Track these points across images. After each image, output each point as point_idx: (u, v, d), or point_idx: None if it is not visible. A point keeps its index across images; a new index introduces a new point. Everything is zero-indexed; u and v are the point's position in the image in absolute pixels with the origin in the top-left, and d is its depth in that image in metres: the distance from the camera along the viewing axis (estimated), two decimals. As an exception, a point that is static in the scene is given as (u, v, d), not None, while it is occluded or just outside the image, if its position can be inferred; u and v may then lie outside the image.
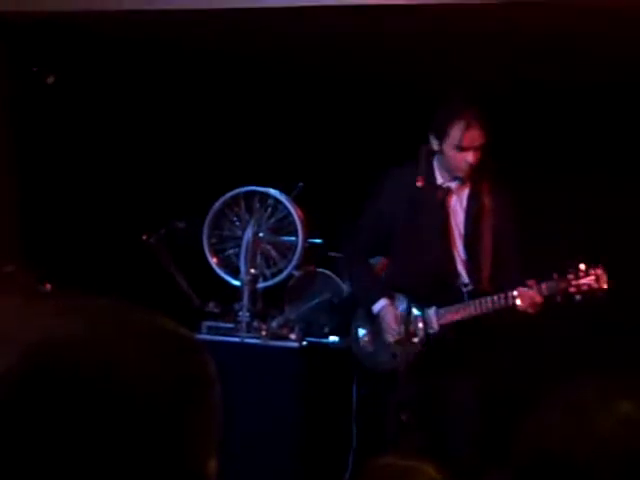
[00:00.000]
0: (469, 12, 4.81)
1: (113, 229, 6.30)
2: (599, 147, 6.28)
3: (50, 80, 5.82)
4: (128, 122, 6.58)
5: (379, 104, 6.14)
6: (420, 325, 4.48)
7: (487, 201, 4.51)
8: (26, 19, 5.42)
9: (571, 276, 4.28)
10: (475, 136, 4.36)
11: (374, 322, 4.61)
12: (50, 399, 1.12)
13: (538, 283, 4.29)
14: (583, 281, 4.28)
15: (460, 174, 4.44)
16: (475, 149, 4.37)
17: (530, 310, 4.29)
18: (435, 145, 4.44)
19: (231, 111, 6.70)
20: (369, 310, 4.60)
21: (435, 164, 4.49)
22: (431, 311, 4.44)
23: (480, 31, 5.16)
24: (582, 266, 4.28)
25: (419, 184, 4.31)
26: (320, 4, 4.94)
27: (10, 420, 1.15)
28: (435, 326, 4.42)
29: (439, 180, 4.49)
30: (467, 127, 4.35)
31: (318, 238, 5.49)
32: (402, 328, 4.46)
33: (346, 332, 4.81)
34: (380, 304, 4.56)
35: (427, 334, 4.44)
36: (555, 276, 4.30)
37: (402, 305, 4.53)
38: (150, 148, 6.65)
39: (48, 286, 4.75)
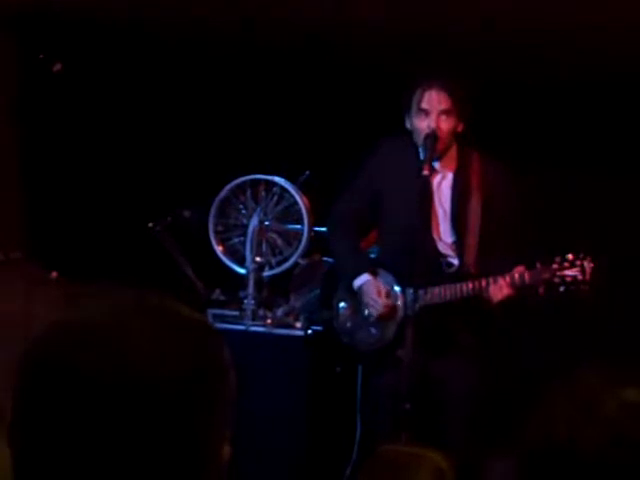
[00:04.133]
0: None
1: (119, 217, 6.31)
2: (598, 140, 6.27)
3: (57, 68, 5.82)
4: (135, 110, 6.58)
5: (386, 92, 6.12)
6: (400, 304, 4.38)
7: (475, 180, 4.37)
8: (33, 7, 5.42)
9: (555, 266, 4.12)
10: (435, 97, 4.21)
11: (355, 297, 4.48)
12: (65, 387, 1.13)
13: (522, 272, 4.14)
14: (567, 272, 4.10)
15: (422, 143, 4.23)
16: (439, 113, 4.22)
17: (504, 297, 4.14)
18: (407, 123, 4.32)
19: (238, 99, 6.70)
20: (350, 284, 4.47)
21: (419, 147, 4.33)
22: (411, 292, 4.27)
23: (496, 23, 5.15)
24: (570, 256, 4.12)
25: (426, 172, 4.16)
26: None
27: (27, 406, 1.15)
28: (415, 307, 4.24)
29: (421, 157, 4.31)
30: (426, 88, 4.22)
31: (324, 226, 5.49)
32: (386, 302, 4.36)
33: (328, 305, 4.65)
34: (362, 279, 4.42)
35: (406, 315, 4.30)
36: (538, 265, 4.15)
37: (385, 282, 4.43)
38: (156, 136, 6.65)
39: (54, 274, 4.76)
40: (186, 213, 5.53)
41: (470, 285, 4.23)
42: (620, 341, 5.62)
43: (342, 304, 4.58)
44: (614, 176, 6.25)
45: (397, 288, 4.42)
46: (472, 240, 4.36)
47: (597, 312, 5.69)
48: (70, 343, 1.16)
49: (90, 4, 5.36)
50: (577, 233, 5.83)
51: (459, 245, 4.38)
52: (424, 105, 4.24)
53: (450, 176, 4.42)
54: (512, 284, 4.14)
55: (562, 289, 4.14)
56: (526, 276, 4.16)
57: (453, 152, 4.42)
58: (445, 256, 4.38)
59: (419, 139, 4.29)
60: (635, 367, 1.28)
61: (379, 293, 4.39)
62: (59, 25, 5.76)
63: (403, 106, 4.33)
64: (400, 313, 4.38)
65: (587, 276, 4.12)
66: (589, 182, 6.31)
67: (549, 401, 1.28)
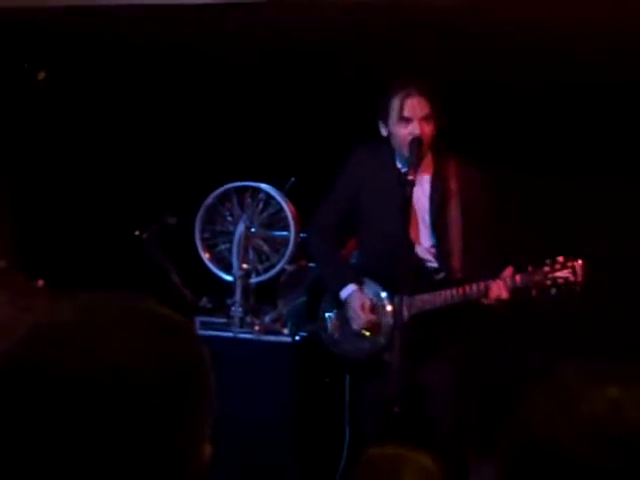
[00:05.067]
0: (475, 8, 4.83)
1: (105, 225, 6.30)
2: (578, 142, 6.31)
3: (41, 76, 5.82)
4: (119, 118, 6.58)
5: (371, 100, 6.14)
6: (389, 312, 4.37)
7: (453, 184, 4.37)
8: (17, 15, 5.41)
9: (547, 268, 4.14)
10: (416, 104, 4.22)
11: (341, 308, 4.49)
12: (44, 388, 1.13)
13: (512, 275, 4.16)
14: (559, 274, 4.13)
15: (407, 149, 4.23)
16: (420, 120, 4.23)
17: (496, 304, 4.16)
18: (384, 130, 4.33)
19: (222, 106, 6.70)
20: (337, 295, 4.47)
21: (395, 154, 4.36)
22: (400, 299, 4.22)
23: (476, 28, 5.17)
24: (560, 258, 4.14)
25: (411, 177, 4.14)
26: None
27: (5, 411, 1.15)
28: (405, 315, 4.19)
29: (398, 164, 4.34)
30: (406, 96, 4.23)
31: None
32: (369, 317, 4.36)
33: (313, 315, 4.65)
34: (348, 290, 4.42)
35: (395, 322, 4.27)
36: (530, 268, 4.16)
37: (371, 291, 4.43)
38: (141, 144, 6.65)
39: (40, 282, 4.74)
40: (172, 220, 5.53)
41: (461, 291, 4.24)
42: (610, 341, 5.65)
43: (329, 314, 4.57)
44: (595, 177, 6.29)
45: (384, 294, 4.43)
46: (455, 245, 4.36)
47: (587, 313, 5.72)
48: (47, 345, 1.16)
49: (74, 13, 5.35)
50: (560, 235, 5.86)
51: (439, 249, 4.38)
52: (406, 113, 4.25)
53: (427, 180, 4.42)
54: (505, 287, 4.16)
55: (554, 291, 4.16)
56: (517, 279, 4.17)
57: (429, 157, 4.44)
58: (424, 261, 4.38)
59: (399, 145, 4.30)
60: (616, 364, 1.28)
61: (362, 307, 4.40)
62: (43, 33, 5.75)
63: (379, 113, 4.34)
64: (389, 319, 4.38)
65: (579, 277, 4.15)
66: (567, 184, 6.35)
67: (529, 400, 1.27)
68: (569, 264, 4.16)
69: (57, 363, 1.14)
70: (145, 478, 1.14)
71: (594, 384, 1.25)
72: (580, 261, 4.17)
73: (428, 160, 4.42)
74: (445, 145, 4.43)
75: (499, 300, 4.17)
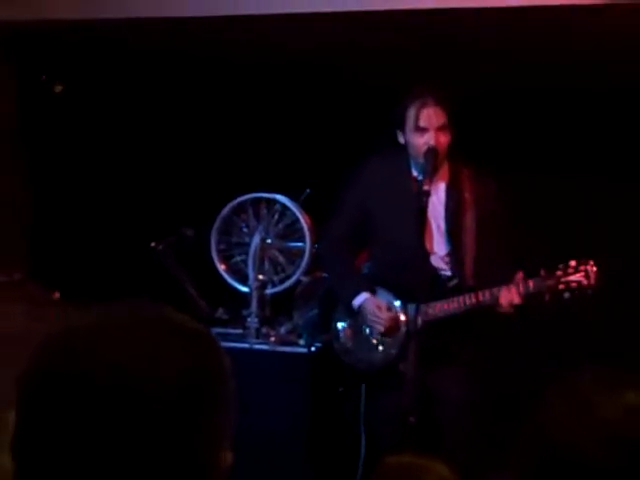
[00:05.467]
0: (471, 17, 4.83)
1: (121, 237, 6.32)
2: (595, 145, 6.30)
3: (58, 89, 5.85)
4: (136, 130, 6.60)
5: (386, 110, 6.16)
6: (403, 321, 4.38)
7: (468, 194, 4.39)
8: (35, 28, 5.45)
9: (559, 273, 4.13)
10: (432, 114, 4.23)
11: (354, 317, 4.49)
12: (63, 394, 1.14)
13: (525, 280, 4.16)
14: (572, 278, 4.12)
15: (423, 158, 4.24)
16: (436, 130, 4.24)
17: (509, 309, 4.16)
18: (401, 139, 4.34)
19: (238, 118, 6.72)
20: (349, 305, 4.47)
21: (411, 163, 4.37)
22: (413, 307, 4.26)
23: (486, 37, 5.18)
24: (572, 262, 4.14)
25: (426, 187, 4.16)
26: (331, 10, 4.95)
27: (30, 416, 1.16)
28: (418, 322, 4.20)
29: (414, 173, 4.35)
30: (422, 106, 4.23)
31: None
32: (388, 315, 4.36)
33: (326, 328, 4.66)
34: (360, 298, 4.43)
35: (408, 331, 4.29)
36: (543, 273, 4.16)
37: (384, 300, 4.43)
38: (158, 156, 6.67)
39: (57, 294, 4.77)
40: (188, 232, 5.54)
41: (474, 298, 4.24)
42: (622, 345, 5.63)
43: (341, 324, 4.58)
44: (603, 183, 6.28)
45: (397, 303, 4.43)
46: (468, 253, 4.37)
47: (601, 318, 5.70)
48: (69, 352, 1.17)
49: (92, 25, 5.39)
50: (569, 239, 5.84)
51: (453, 258, 4.39)
52: (422, 123, 4.26)
53: (442, 188, 4.44)
54: (516, 292, 4.16)
55: (567, 295, 4.16)
56: (530, 284, 4.17)
57: (445, 165, 4.45)
58: (438, 269, 4.39)
59: (415, 154, 4.32)
60: (633, 370, 1.28)
61: (379, 308, 4.40)
62: (61, 46, 5.78)
63: (396, 122, 4.35)
64: (403, 328, 4.39)
65: (592, 280, 4.15)
66: (577, 188, 6.34)
67: (546, 406, 1.28)
68: (582, 268, 4.15)
69: (76, 370, 1.15)
70: None
71: (611, 390, 1.25)
72: (593, 264, 4.16)
73: (444, 169, 4.44)
74: (459, 154, 4.45)
75: (512, 305, 4.16)
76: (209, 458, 1.20)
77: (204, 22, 5.21)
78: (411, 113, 4.27)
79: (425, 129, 4.26)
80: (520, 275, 4.18)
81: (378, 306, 4.40)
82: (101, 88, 6.36)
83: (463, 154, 4.45)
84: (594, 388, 1.26)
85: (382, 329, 4.41)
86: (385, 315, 4.39)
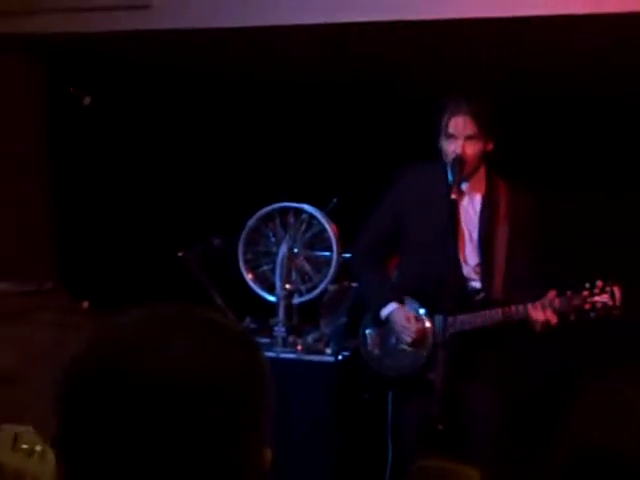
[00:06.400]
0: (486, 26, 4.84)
1: (149, 246, 6.35)
2: (624, 163, 6.26)
3: (86, 101, 5.90)
4: (164, 140, 6.64)
5: (415, 118, 6.17)
6: (429, 329, 4.39)
7: (503, 207, 4.40)
8: (64, 40, 5.50)
9: (586, 293, 4.14)
10: (460, 123, 4.27)
11: (382, 324, 4.51)
12: (112, 395, 1.16)
13: (554, 298, 4.16)
14: (598, 299, 4.13)
15: (449, 166, 4.28)
16: (465, 138, 4.27)
17: (539, 327, 4.16)
18: (439, 144, 4.37)
19: (267, 128, 6.75)
20: (377, 314, 4.49)
21: (447, 168, 4.36)
22: (441, 318, 4.29)
23: (501, 45, 5.18)
24: (599, 283, 4.14)
25: (453, 196, 4.21)
26: (338, 21, 4.98)
27: (75, 417, 1.19)
28: (445, 334, 4.24)
29: (450, 184, 4.34)
30: (452, 114, 4.28)
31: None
32: (417, 326, 4.37)
33: (354, 334, 4.67)
34: (389, 308, 4.45)
35: (435, 343, 4.32)
36: (569, 293, 4.17)
37: (411, 308, 4.44)
38: (186, 165, 6.71)
39: (86, 303, 4.81)
40: (216, 241, 5.56)
41: (501, 312, 4.25)
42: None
43: (369, 331, 4.59)
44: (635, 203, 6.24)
45: (422, 311, 4.44)
46: (499, 266, 4.38)
47: (626, 332, 5.66)
48: (116, 352, 1.19)
49: (118, 39, 5.43)
50: (601, 259, 5.81)
51: (484, 268, 4.40)
52: (451, 130, 4.31)
53: (478, 199, 4.45)
54: (542, 311, 4.16)
55: (593, 315, 4.16)
56: (556, 303, 4.18)
57: (482, 175, 4.46)
58: (469, 280, 4.40)
59: (448, 161, 4.34)
60: None
61: (408, 319, 4.41)
62: (89, 59, 5.84)
63: (436, 128, 4.38)
64: (430, 338, 4.40)
65: (617, 302, 4.15)
66: (612, 207, 6.30)
67: (582, 411, 1.28)
68: (607, 289, 4.16)
69: (124, 369, 1.17)
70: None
71: None
72: (618, 286, 4.16)
73: (481, 179, 4.45)
74: (497, 165, 4.46)
75: (546, 326, 4.17)
76: (252, 456, 1.22)
77: (232, 33, 5.24)
78: (444, 120, 4.32)
79: (453, 136, 4.30)
80: (552, 293, 4.18)
81: (407, 317, 4.42)
82: (129, 99, 6.41)
83: (502, 165, 4.46)
84: (628, 389, 1.27)
85: (410, 340, 4.42)
86: (414, 327, 4.40)
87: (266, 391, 1.26)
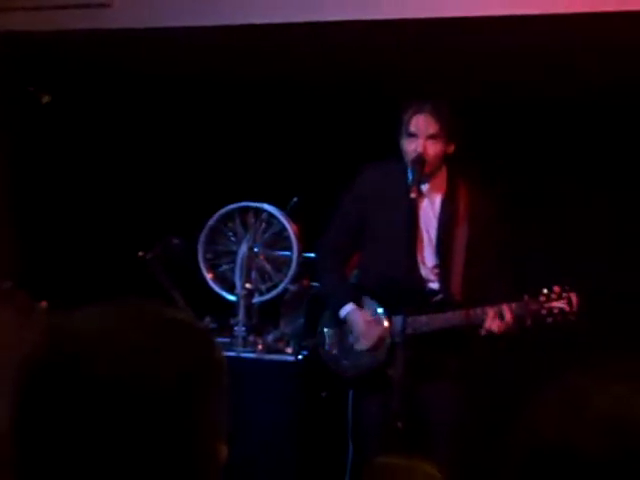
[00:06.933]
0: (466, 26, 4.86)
1: (108, 246, 6.33)
2: (591, 160, 6.31)
3: (45, 99, 5.86)
4: (122, 140, 6.61)
5: (374, 117, 6.18)
6: (386, 328, 4.39)
7: (462, 208, 4.41)
8: (22, 39, 5.46)
9: (542, 298, 4.19)
10: (422, 122, 4.27)
11: (340, 324, 4.52)
12: (64, 385, 1.16)
13: (508, 303, 4.18)
14: (555, 304, 4.17)
15: (410, 165, 4.28)
16: (426, 138, 4.27)
17: (495, 330, 4.18)
18: (400, 144, 4.37)
19: (224, 127, 6.73)
20: (336, 313, 4.50)
21: (408, 168, 4.37)
22: (398, 319, 4.29)
23: (478, 45, 5.21)
24: (556, 288, 4.19)
25: (413, 195, 4.20)
26: (316, 20, 4.98)
27: (27, 410, 1.18)
28: (403, 335, 4.24)
29: (410, 183, 4.34)
30: (415, 112, 4.28)
31: (313, 252, 5.50)
32: (376, 331, 4.37)
33: (313, 334, 4.69)
34: (347, 309, 4.45)
35: (393, 342, 4.33)
36: (526, 297, 4.20)
37: (370, 309, 4.46)
38: (144, 166, 6.68)
39: (44, 303, 4.78)
40: (175, 241, 5.55)
41: (459, 316, 4.26)
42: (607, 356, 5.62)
43: (327, 330, 4.60)
44: (599, 202, 6.30)
45: (380, 310, 4.45)
46: (457, 267, 4.39)
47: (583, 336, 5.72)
48: (69, 342, 1.20)
49: (79, 35, 5.40)
50: (559, 264, 5.86)
51: (442, 270, 4.40)
52: (412, 129, 4.30)
53: (438, 200, 4.46)
54: (499, 315, 4.18)
55: (549, 320, 4.20)
56: (513, 307, 4.20)
57: (443, 176, 4.46)
58: (427, 281, 4.41)
59: (408, 161, 4.34)
60: (624, 366, 1.30)
61: (367, 324, 4.41)
62: (49, 57, 5.80)
63: (397, 128, 4.38)
64: (388, 338, 4.40)
65: (574, 307, 4.20)
66: (573, 207, 6.35)
67: (536, 405, 1.29)
68: (565, 295, 4.20)
69: (75, 361, 1.17)
70: (162, 475, 1.17)
71: (600, 383, 1.26)
72: (574, 293, 4.20)
73: (441, 181, 4.45)
74: (458, 167, 4.47)
75: (490, 332, 4.20)
76: (205, 450, 1.23)
77: (193, 31, 5.23)
78: (405, 119, 4.32)
79: (414, 135, 4.30)
80: (505, 304, 4.19)
81: (366, 322, 4.42)
82: (89, 98, 6.37)
83: (463, 167, 4.47)
84: (583, 383, 1.28)
85: (367, 347, 4.42)
86: (373, 332, 4.40)
87: (220, 385, 1.26)
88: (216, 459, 1.25)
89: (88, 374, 1.16)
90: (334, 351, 4.57)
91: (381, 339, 4.40)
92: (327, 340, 4.59)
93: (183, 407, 1.19)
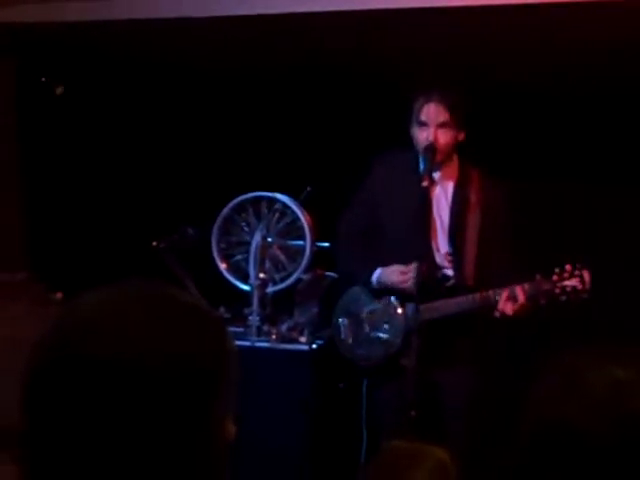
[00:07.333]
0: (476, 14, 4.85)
1: (123, 236, 6.35)
2: (591, 152, 6.31)
3: (59, 91, 5.88)
4: (137, 131, 6.63)
5: (385, 107, 6.18)
6: (400, 315, 4.41)
7: (474, 196, 4.44)
8: (36, 30, 5.48)
9: (555, 277, 4.21)
10: (433, 110, 4.31)
11: (355, 312, 4.55)
12: (74, 373, 1.18)
13: (521, 284, 4.21)
14: (567, 283, 4.20)
15: (421, 154, 4.32)
16: (437, 126, 4.30)
17: (509, 311, 4.21)
18: (411, 132, 4.40)
19: (239, 117, 6.74)
20: (368, 281, 4.49)
21: (419, 157, 4.41)
22: (412, 306, 4.31)
23: (496, 35, 5.20)
24: (568, 267, 4.20)
25: (425, 184, 4.22)
26: (331, 9, 4.98)
27: (40, 393, 1.20)
28: (417, 321, 4.26)
29: (422, 172, 4.36)
30: (425, 101, 4.32)
31: (326, 242, 5.52)
32: (411, 272, 4.32)
33: (328, 323, 4.72)
34: (376, 273, 4.47)
35: (407, 328, 4.35)
36: (538, 277, 4.23)
37: (384, 297, 4.48)
38: (159, 155, 6.70)
39: (59, 294, 4.80)
40: (190, 231, 5.56)
41: (472, 299, 4.28)
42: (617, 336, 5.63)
43: (342, 320, 4.62)
44: (606, 188, 6.30)
45: (393, 298, 4.46)
46: (470, 253, 4.41)
47: (594, 315, 5.73)
48: (74, 333, 1.21)
49: (92, 27, 5.42)
50: (570, 244, 5.87)
51: (455, 256, 4.42)
52: (423, 117, 4.33)
53: (450, 188, 4.48)
54: (512, 297, 4.20)
55: (563, 298, 4.21)
56: (526, 288, 4.22)
57: (454, 164, 4.49)
58: (441, 267, 4.43)
59: (420, 149, 4.37)
60: (623, 349, 1.32)
61: (399, 270, 4.38)
62: (61, 48, 5.81)
63: (408, 117, 4.40)
64: (401, 325, 4.42)
65: (587, 285, 4.21)
66: (581, 194, 6.36)
67: (541, 384, 1.31)
68: (577, 272, 4.22)
69: (84, 349, 1.19)
70: (170, 454, 1.19)
71: (599, 365, 1.29)
72: (587, 270, 4.23)
73: (453, 168, 4.49)
74: (469, 155, 4.48)
75: (504, 314, 4.22)
76: (213, 431, 1.24)
77: (202, 22, 5.24)
78: (415, 108, 4.35)
79: (425, 124, 4.33)
80: (517, 285, 4.21)
81: (397, 268, 4.39)
82: (102, 89, 6.39)
83: (474, 155, 4.49)
84: (584, 364, 1.30)
85: (412, 284, 4.31)
86: (409, 271, 4.34)
87: (227, 364, 1.27)
88: (223, 438, 1.26)
89: (95, 357, 1.18)
90: (350, 340, 4.59)
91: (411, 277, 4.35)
92: (342, 330, 4.61)
93: (188, 388, 1.21)
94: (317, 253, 5.42)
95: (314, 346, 5.08)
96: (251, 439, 4.64)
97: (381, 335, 4.49)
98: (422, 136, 4.34)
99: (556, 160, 6.36)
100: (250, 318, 5.26)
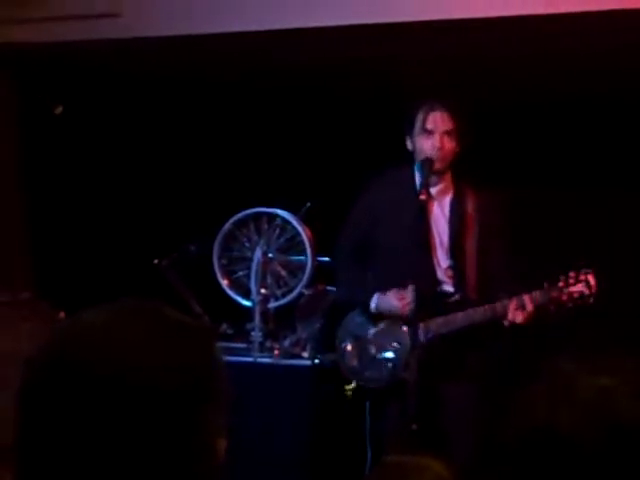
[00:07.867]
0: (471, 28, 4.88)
1: (125, 254, 6.36)
2: (593, 159, 6.33)
3: (58, 110, 5.90)
4: (137, 149, 6.65)
5: (385, 123, 6.20)
6: (405, 332, 4.37)
7: (470, 208, 4.44)
8: (35, 49, 5.50)
9: (562, 284, 4.23)
10: (439, 118, 4.31)
11: (359, 335, 4.52)
12: (66, 384, 1.20)
13: (529, 293, 4.22)
14: (574, 288, 4.23)
15: (419, 165, 4.32)
16: (442, 134, 4.30)
17: (519, 321, 4.21)
18: (409, 144, 4.39)
19: (239, 134, 6.77)
20: (366, 308, 4.46)
21: (415, 171, 4.41)
22: (419, 325, 4.29)
23: (483, 47, 5.22)
24: (571, 273, 4.23)
25: (422, 197, 4.23)
26: (332, 24, 5.00)
27: (32, 410, 1.22)
28: (422, 338, 4.26)
29: (419, 186, 4.35)
30: (430, 109, 4.31)
31: (327, 256, 5.53)
32: (408, 297, 4.30)
33: (331, 347, 4.68)
34: (374, 299, 4.43)
35: (413, 345, 4.31)
36: (546, 285, 4.25)
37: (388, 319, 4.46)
38: (159, 174, 6.72)
39: (62, 313, 4.81)
40: (191, 248, 5.58)
41: (477, 312, 4.29)
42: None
43: (344, 344, 4.58)
44: (604, 195, 6.32)
45: (403, 324, 4.44)
46: (471, 266, 4.41)
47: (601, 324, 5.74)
48: (72, 342, 1.23)
49: (88, 48, 5.44)
50: (570, 250, 5.88)
51: (456, 271, 4.42)
52: (429, 125, 4.32)
53: (447, 202, 4.48)
54: (521, 306, 4.22)
55: (570, 305, 4.25)
56: (535, 296, 4.24)
57: (449, 179, 4.49)
58: (442, 283, 4.43)
59: (418, 156, 4.37)
60: (613, 357, 1.34)
61: (397, 294, 4.36)
62: (59, 68, 5.84)
63: (405, 127, 4.40)
64: (406, 342, 4.39)
65: (593, 289, 4.25)
66: (580, 200, 6.38)
67: (530, 389, 1.33)
68: (582, 277, 4.25)
69: (76, 360, 1.21)
70: (161, 470, 1.20)
71: (588, 374, 1.31)
72: (591, 274, 4.26)
73: (448, 182, 4.49)
74: (462, 167, 4.49)
75: (513, 323, 4.23)
76: (204, 446, 1.25)
77: (202, 39, 5.26)
78: (419, 117, 4.34)
79: (431, 131, 4.32)
80: (524, 293, 4.23)
81: (394, 292, 4.36)
82: (101, 108, 6.41)
83: (467, 167, 4.50)
84: (573, 372, 1.32)
85: (410, 310, 4.30)
86: (407, 299, 4.31)
87: (218, 381, 1.29)
88: (214, 453, 1.28)
89: (88, 372, 1.20)
90: (355, 364, 4.56)
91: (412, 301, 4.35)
92: (346, 354, 4.58)
93: (182, 404, 1.22)
94: (318, 268, 5.43)
95: (317, 361, 5.07)
96: (254, 454, 4.64)
97: (388, 356, 4.47)
98: (427, 144, 4.33)
99: (554, 168, 6.38)
100: (253, 334, 5.26)
